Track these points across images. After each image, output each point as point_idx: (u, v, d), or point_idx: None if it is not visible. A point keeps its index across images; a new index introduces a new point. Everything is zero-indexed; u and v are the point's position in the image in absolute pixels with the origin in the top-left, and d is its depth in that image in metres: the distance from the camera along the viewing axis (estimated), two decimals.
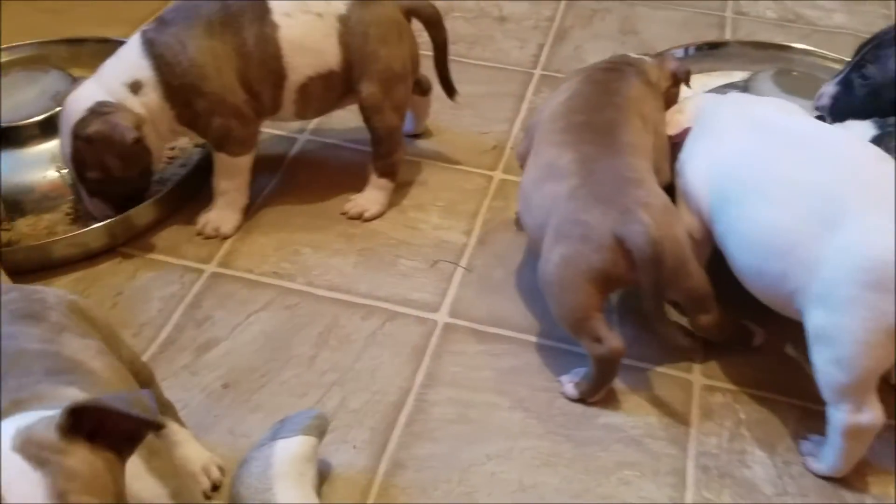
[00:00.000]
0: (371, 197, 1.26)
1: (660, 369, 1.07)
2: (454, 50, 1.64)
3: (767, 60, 1.45)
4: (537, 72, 1.59)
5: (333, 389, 1.02)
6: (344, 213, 1.26)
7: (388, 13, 1.18)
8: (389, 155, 1.24)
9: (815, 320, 0.90)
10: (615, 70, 1.15)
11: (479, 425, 0.99)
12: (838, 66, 1.44)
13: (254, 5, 1.14)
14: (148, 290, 1.15)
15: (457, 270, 1.19)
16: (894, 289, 0.83)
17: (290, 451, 0.84)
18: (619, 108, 1.07)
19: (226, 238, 1.22)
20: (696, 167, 1.05)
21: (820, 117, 1.13)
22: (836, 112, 1.13)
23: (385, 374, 1.04)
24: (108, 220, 1.18)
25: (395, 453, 0.96)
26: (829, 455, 0.93)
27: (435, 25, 1.26)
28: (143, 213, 1.21)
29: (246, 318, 1.11)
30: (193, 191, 1.28)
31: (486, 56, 1.63)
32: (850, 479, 0.94)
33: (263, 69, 1.14)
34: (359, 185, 1.28)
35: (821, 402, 0.92)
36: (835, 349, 0.88)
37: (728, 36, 1.65)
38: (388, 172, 1.25)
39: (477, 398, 1.02)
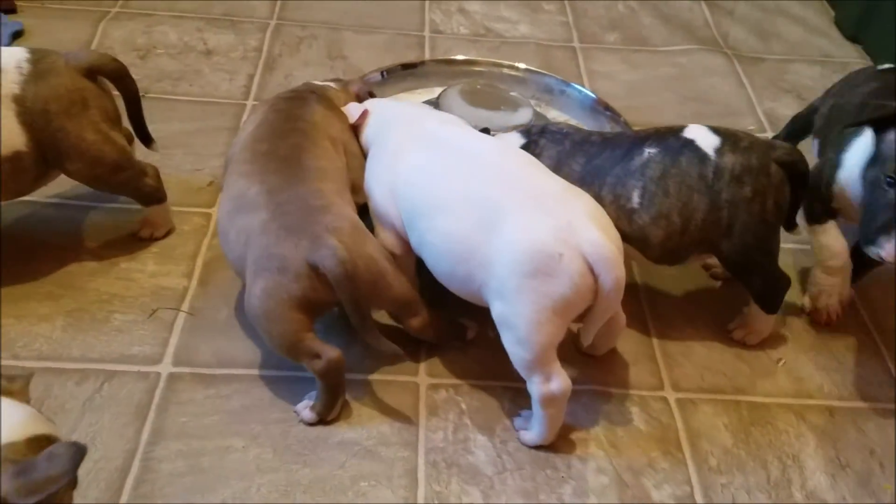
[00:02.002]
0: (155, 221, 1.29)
1: (389, 377, 1.12)
2: (161, 88, 1.61)
3: (460, 75, 1.58)
4: (249, 102, 1.59)
5: None
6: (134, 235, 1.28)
7: (65, 83, 1.12)
8: (138, 189, 1.23)
9: (497, 310, 1.01)
10: (298, 98, 1.19)
11: (212, 472, 0.98)
12: (518, 75, 1.62)
13: None
14: None
15: (178, 316, 1.17)
16: (548, 273, 0.95)
17: None
18: (304, 133, 1.12)
19: None
20: (381, 187, 1.13)
21: None
22: None
23: (107, 439, 1.00)
24: None
25: None
26: (535, 426, 1.05)
27: (121, 79, 1.22)
28: None
29: None
30: None
31: (195, 91, 1.61)
32: (558, 444, 1.06)
33: None
34: (63, 244, 1.22)
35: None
36: (515, 332, 0.99)
37: (427, 54, 1.77)
38: (151, 198, 1.26)
39: (208, 445, 1.01)
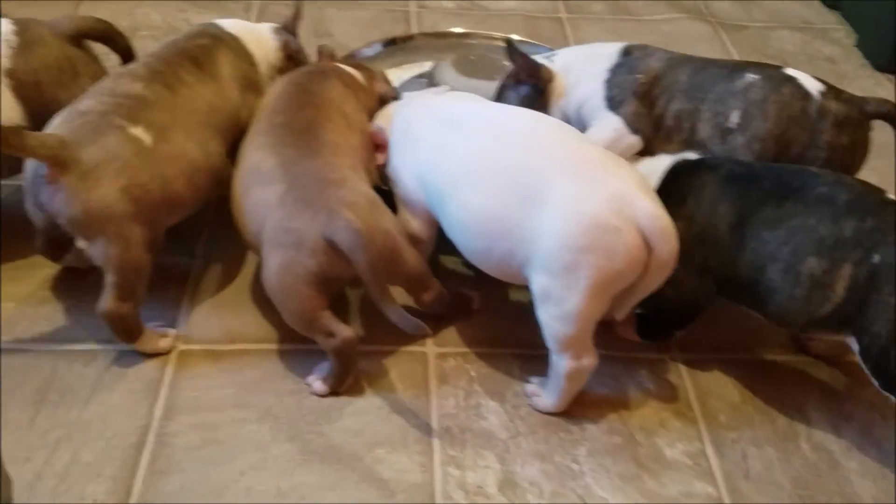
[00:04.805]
0: None
1: (397, 348, 1.12)
2: None
3: (450, 48, 1.57)
4: None
5: (62, 446, 0.95)
6: None
7: (54, 53, 1.11)
8: None
9: (540, 284, 0.97)
10: (318, 73, 1.19)
11: (227, 444, 0.98)
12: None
13: None
14: None
15: (186, 294, 1.16)
16: (605, 247, 0.92)
17: None
18: (319, 107, 1.11)
19: None
20: (406, 174, 1.10)
21: None
22: None
23: (119, 416, 0.99)
24: None
25: (142, 496, 0.92)
26: (552, 394, 1.05)
27: (112, 39, 1.21)
28: None
29: None
30: None
31: None
32: (570, 408, 1.06)
33: None
34: None
35: (537, 348, 1.03)
36: (560, 307, 0.96)
37: (414, 29, 1.76)
38: None
39: (222, 417, 1.01)
